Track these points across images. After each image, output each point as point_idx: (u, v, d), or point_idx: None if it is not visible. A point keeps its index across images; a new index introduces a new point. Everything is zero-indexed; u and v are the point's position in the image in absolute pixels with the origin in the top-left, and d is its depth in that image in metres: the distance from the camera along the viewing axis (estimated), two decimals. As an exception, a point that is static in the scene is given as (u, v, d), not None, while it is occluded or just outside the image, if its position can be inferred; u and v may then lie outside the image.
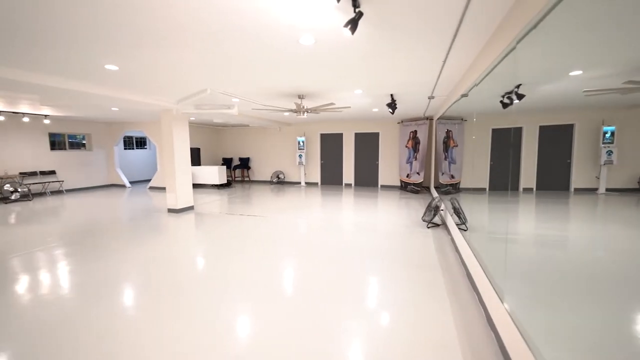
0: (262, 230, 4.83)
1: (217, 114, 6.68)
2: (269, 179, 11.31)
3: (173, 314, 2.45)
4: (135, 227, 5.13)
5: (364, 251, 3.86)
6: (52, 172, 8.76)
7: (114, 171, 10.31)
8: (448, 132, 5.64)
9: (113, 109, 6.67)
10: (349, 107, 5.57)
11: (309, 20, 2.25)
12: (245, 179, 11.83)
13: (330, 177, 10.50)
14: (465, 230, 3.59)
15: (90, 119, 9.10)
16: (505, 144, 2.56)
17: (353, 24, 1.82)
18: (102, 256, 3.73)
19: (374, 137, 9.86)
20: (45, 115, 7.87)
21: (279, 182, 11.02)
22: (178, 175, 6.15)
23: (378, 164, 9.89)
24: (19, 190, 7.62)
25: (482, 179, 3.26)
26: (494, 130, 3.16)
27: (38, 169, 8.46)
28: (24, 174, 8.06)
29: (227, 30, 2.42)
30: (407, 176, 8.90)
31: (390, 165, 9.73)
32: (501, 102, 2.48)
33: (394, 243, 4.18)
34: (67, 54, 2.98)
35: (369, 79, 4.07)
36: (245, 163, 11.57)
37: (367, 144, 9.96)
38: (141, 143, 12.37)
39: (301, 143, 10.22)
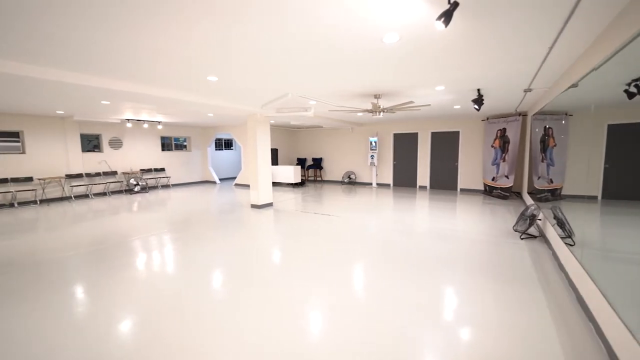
0: (334, 229, 4.93)
1: (295, 117, 7.07)
2: (340, 179, 11.47)
3: (255, 300, 2.70)
4: (225, 219, 5.80)
5: (442, 259, 3.60)
6: (162, 170, 10.54)
7: (207, 169, 11.85)
8: (547, 129, 4.84)
9: (209, 114, 7.66)
10: (429, 105, 5.25)
11: (395, 16, 2.20)
12: (318, 179, 12.24)
13: (403, 179, 10.10)
14: (572, 245, 3.04)
15: (189, 124, 10.64)
16: (628, 142, 2.08)
17: (447, 16, 1.71)
18: (198, 243, 4.33)
19: (453, 136, 9.10)
20: (159, 122, 9.52)
21: (350, 182, 11.08)
22: (260, 174, 6.73)
23: (457, 166, 9.10)
24: (140, 184, 9.38)
25: (593, 185, 2.70)
26: (610, 127, 2.59)
27: (152, 167, 10.29)
28: (143, 171, 9.90)
29: (312, 40, 2.54)
30: (493, 179, 7.95)
31: (472, 167, 8.85)
32: (626, 91, 2.02)
33: (479, 253, 3.79)
34: (180, 71, 3.54)
35: (455, 73, 3.77)
36: (318, 163, 11.98)
37: (445, 143, 9.26)
38: (228, 144, 13.94)
39: (373, 143, 10.08)
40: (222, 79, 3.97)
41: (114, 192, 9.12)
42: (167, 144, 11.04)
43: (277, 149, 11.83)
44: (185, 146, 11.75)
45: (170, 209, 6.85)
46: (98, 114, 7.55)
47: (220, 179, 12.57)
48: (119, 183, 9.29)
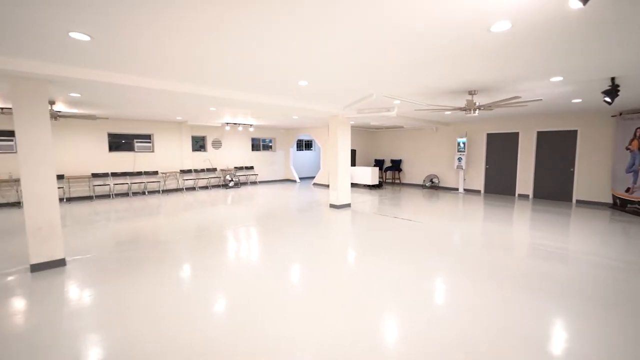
0: (416, 236, 4.64)
1: (376, 117, 6.95)
2: (420, 183, 10.81)
3: (331, 300, 2.71)
4: (306, 217, 6.08)
5: (553, 282, 3.01)
6: (252, 168, 11.69)
7: (289, 168, 12.66)
8: None
9: (294, 117, 8.15)
10: (540, 99, 4.47)
11: (509, 1, 1.92)
12: (396, 181, 11.80)
13: (498, 185, 8.90)
14: None
15: (275, 127, 11.52)
16: None
17: (588, -10, 1.40)
18: (281, 237, 4.62)
19: (568, 136, 7.58)
20: (251, 125, 10.58)
21: (433, 186, 10.33)
22: (340, 174, 6.83)
23: (573, 172, 7.55)
24: (234, 180, 10.61)
25: None
26: None
27: (244, 165, 11.51)
28: (237, 168, 11.17)
29: (408, 35, 2.42)
30: (627, 191, 6.32)
31: (595, 174, 7.22)
32: None
33: (605, 281, 3.04)
34: (277, 78, 3.84)
35: (579, 61, 3.11)
36: (397, 165, 11.55)
37: (557, 145, 7.78)
38: (308, 145, 14.61)
39: (461, 144, 9.17)
40: (311, 83, 4.16)
41: (214, 186, 10.54)
42: (256, 145, 12.21)
43: (355, 150, 11.85)
44: (270, 147, 12.80)
45: (257, 204, 7.54)
46: (205, 119, 8.82)
47: (300, 178, 13.27)
48: (218, 178, 10.70)
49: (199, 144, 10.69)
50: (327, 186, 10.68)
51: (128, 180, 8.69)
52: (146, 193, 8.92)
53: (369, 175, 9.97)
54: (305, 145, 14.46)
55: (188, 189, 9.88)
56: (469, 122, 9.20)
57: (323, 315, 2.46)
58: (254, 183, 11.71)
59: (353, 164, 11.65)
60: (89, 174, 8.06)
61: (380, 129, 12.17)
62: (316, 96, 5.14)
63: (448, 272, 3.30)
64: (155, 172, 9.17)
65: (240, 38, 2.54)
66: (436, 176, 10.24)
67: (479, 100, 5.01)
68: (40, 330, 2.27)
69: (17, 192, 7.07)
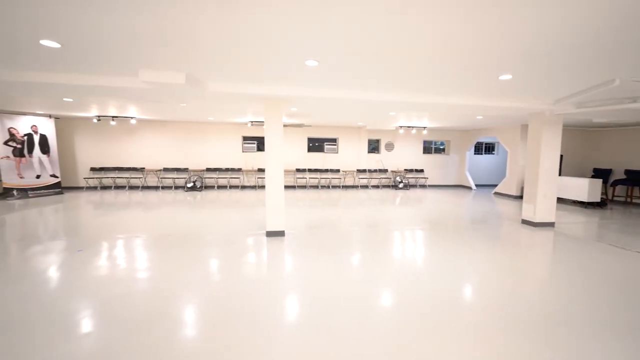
0: (688, 286, 3.09)
1: (609, 112, 5.13)
2: (687, 207, 7.08)
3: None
4: (484, 229, 5.34)
5: None
6: (421, 171, 11.44)
7: (464, 174, 11.47)
8: None
9: (477, 117, 7.31)
10: None
11: None
12: (632, 200, 8.29)
13: None
14: None
15: (451, 128, 10.72)
16: None
17: None
18: (453, 247, 4.26)
19: None
20: (424, 128, 10.36)
21: None
22: (541, 185, 5.54)
23: None
24: (403, 181, 10.76)
25: None
26: None
27: (414, 167, 11.43)
28: (406, 170, 11.26)
29: None
30: None
31: None
32: None
33: None
34: (472, 73, 3.60)
35: None
36: (636, 178, 8.09)
37: None
38: (489, 148, 12.68)
39: None
40: (516, 76, 3.61)
41: (384, 186, 11.11)
42: (427, 148, 11.83)
43: (561, 155, 9.24)
44: (443, 149, 12.03)
45: (426, 208, 7.32)
46: (382, 124, 9.42)
47: (476, 185, 11.76)
48: (388, 179, 11.20)
49: (372, 146, 11.55)
50: (515, 197, 8.91)
51: (318, 175, 10.61)
52: (330, 187, 10.59)
53: (585, 188, 7.51)
54: (485, 148, 12.65)
55: (362, 186, 10.90)
56: None
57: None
58: (423, 186, 11.42)
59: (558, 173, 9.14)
60: (294, 169, 10.45)
61: (605, 128, 8.91)
62: (519, 90, 4.40)
63: None
64: (338, 170, 10.70)
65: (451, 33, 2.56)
66: None
67: None
68: (273, 273, 3.20)
69: (255, 179, 10.17)
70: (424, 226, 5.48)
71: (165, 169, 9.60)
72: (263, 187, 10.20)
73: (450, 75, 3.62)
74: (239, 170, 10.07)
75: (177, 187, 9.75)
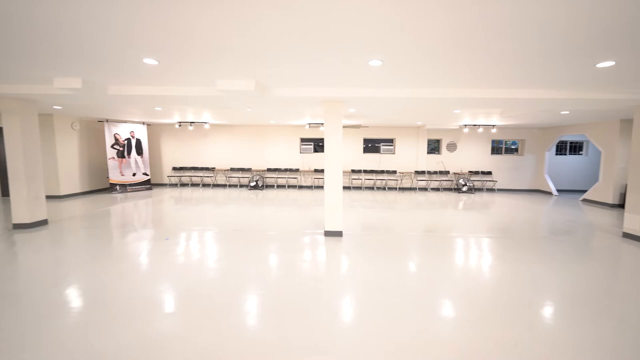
0: None
1: None
2: None
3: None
4: (570, 241, 4.66)
5: None
6: (489, 173, 10.46)
7: (542, 177, 10.15)
8: None
9: (562, 112, 6.42)
10: None
11: None
12: None
13: None
14: None
15: (526, 125, 9.57)
16: None
17: None
18: (529, 261, 3.80)
19: None
20: (493, 126, 9.45)
21: None
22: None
23: None
24: (467, 184, 9.98)
25: None
26: None
27: (480, 169, 10.51)
28: (471, 172, 10.42)
29: None
30: None
31: None
32: None
33: None
34: (565, 63, 3.20)
35: None
36: None
37: None
38: (575, 148, 11.00)
39: None
40: (620, 63, 3.10)
41: (445, 189, 10.44)
42: (496, 148, 10.77)
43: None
44: (516, 150, 10.82)
45: (494, 214, 6.66)
46: (443, 123, 8.88)
47: (557, 190, 10.30)
48: (449, 182, 10.49)
49: (430, 146, 10.95)
50: (612, 206, 7.59)
51: (374, 176, 10.47)
52: (386, 189, 10.36)
53: None
54: (571, 148, 11.01)
55: (420, 189, 10.42)
56: None
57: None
58: (490, 190, 10.43)
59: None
60: (350, 169, 10.49)
61: None
62: (622, 79, 3.75)
63: None
64: (394, 172, 10.41)
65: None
66: None
67: None
68: (334, 272, 3.28)
69: (312, 179, 10.49)
70: (494, 234, 5.01)
71: (232, 169, 10.49)
72: (319, 187, 10.44)
73: (535, 62, 3.27)
74: (297, 170, 10.49)
75: (241, 186, 10.57)
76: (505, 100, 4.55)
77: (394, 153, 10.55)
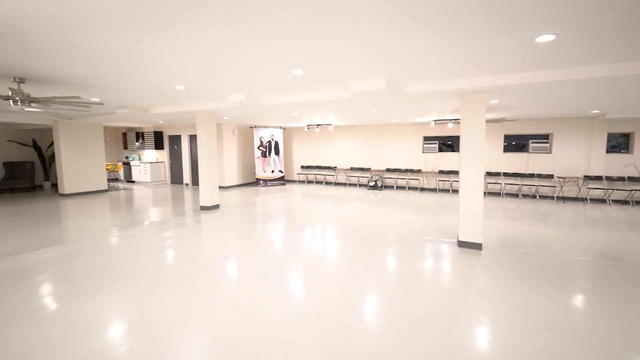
0: None
1: None
2: None
3: None
4: None
5: None
6: None
7: None
8: None
9: None
10: None
11: None
12: None
13: None
14: None
15: None
16: None
17: None
18: None
19: None
20: None
21: None
22: None
23: None
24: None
25: None
26: None
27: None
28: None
29: None
30: None
31: None
32: None
33: None
34: None
35: None
36: None
37: None
38: None
39: None
40: None
41: (637, 202, 7.52)
42: None
43: None
44: None
45: None
46: (636, 109, 6.39)
47: None
48: (645, 192, 7.51)
49: (611, 142, 8.10)
50: None
51: (519, 181, 8.62)
52: (537, 197, 8.35)
53: None
54: None
55: (593, 200, 7.88)
56: None
57: None
58: None
59: None
60: (484, 172, 9.00)
61: None
62: None
63: None
64: (550, 176, 8.26)
65: None
66: None
67: None
68: (472, 291, 2.79)
69: (436, 181, 9.60)
70: None
71: (352, 168, 10.78)
72: (444, 190, 9.43)
73: None
74: (419, 171, 9.79)
75: (360, 185, 10.73)
76: None
77: (549, 152, 8.36)
